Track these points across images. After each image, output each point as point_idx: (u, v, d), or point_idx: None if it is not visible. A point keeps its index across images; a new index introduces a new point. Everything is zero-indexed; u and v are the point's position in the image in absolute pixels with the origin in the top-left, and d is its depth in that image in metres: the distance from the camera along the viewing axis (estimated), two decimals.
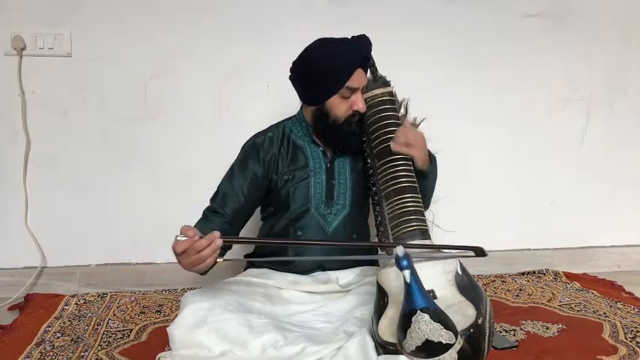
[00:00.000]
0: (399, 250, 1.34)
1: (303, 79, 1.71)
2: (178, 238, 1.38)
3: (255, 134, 1.81)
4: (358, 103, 1.66)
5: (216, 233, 1.38)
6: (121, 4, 2.22)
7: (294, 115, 1.83)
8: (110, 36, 2.23)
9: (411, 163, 1.65)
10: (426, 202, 1.78)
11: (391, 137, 1.67)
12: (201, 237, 1.38)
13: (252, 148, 1.76)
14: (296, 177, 1.73)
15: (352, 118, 1.67)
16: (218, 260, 1.43)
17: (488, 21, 2.45)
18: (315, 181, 1.74)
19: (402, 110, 2.15)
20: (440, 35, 2.42)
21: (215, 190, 1.76)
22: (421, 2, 2.40)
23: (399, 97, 2.11)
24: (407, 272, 1.32)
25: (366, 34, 1.72)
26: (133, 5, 2.23)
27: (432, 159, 1.74)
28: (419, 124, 2.17)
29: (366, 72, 1.70)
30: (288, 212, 1.74)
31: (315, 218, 1.72)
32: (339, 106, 1.66)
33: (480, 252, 1.51)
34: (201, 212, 1.73)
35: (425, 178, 1.70)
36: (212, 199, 1.74)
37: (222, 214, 1.69)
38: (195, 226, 1.56)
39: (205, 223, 1.64)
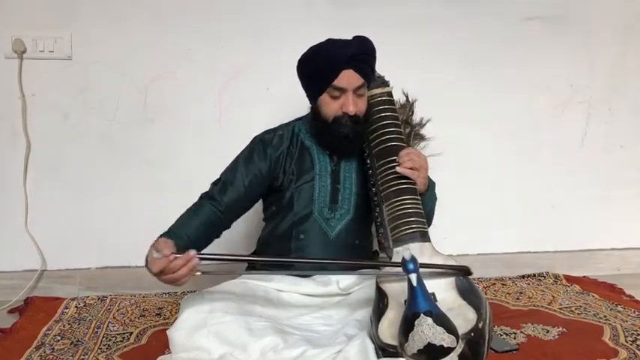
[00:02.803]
0: (406, 254, 1.34)
1: (301, 76, 1.73)
2: (155, 255, 1.38)
3: (266, 130, 1.80)
4: (348, 105, 1.63)
5: (192, 252, 1.39)
6: (121, 7, 2.23)
7: (305, 115, 1.82)
8: (110, 39, 2.23)
9: None
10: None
11: (390, 137, 1.68)
12: (176, 257, 1.37)
13: (261, 144, 1.75)
14: (301, 178, 1.73)
15: (341, 119, 1.65)
16: (196, 274, 1.43)
17: (488, 24, 2.46)
18: (320, 184, 1.73)
19: (409, 111, 2.16)
20: (441, 38, 2.43)
21: (218, 177, 1.76)
22: (422, 5, 2.41)
23: (410, 98, 2.12)
24: (414, 276, 1.32)
25: (367, 37, 1.72)
26: (133, 9, 2.24)
27: (430, 184, 1.73)
28: (424, 124, 2.18)
29: (362, 74, 1.65)
30: (291, 214, 1.73)
31: (318, 222, 1.72)
32: (329, 106, 1.65)
33: (466, 271, 1.51)
34: (199, 195, 1.72)
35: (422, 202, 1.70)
36: (213, 184, 1.74)
37: (217, 202, 1.69)
38: (182, 216, 1.61)
39: (193, 216, 1.65)
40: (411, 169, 1.62)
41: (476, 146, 2.48)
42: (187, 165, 2.31)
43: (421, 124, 2.20)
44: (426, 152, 2.22)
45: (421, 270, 1.38)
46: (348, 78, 1.63)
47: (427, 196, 1.72)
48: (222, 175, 1.76)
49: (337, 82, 1.62)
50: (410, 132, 2.19)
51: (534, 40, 2.50)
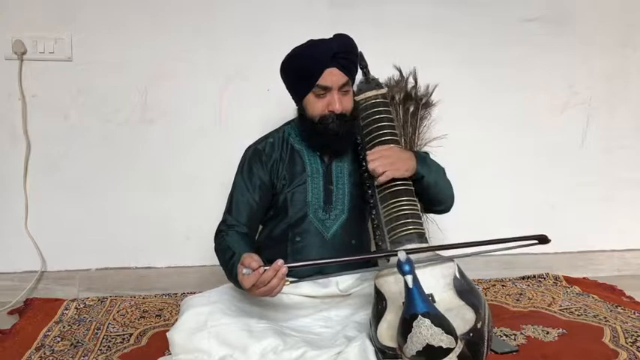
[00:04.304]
0: (401, 255, 1.33)
1: (285, 78, 1.72)
2: (244, 272, 1.37)
3: (256, 141, 1.80)
4: (333, 103, 1.62)
5: (280, 262, 1.37)
6: (121, 8, 2.23)
7: (294, 119, 1.82)
8: (110, 40, 2.23)
9: None
10: (445, 200, 1.76)
11: (386, 139, 1.68)
12: (265, 269, 1.37)
13: (255, 155, 1.75)
14: (294, 181, 1.73)
15: (327, 118, 1.64)
16: (286, 284, 1.42)
17: (488, 25, 2.46)
18: (312, 186, 1.73)
19: (411, 80, 2.15)
20: (440, 39, 2.43)
21: (227, 203, 1.74)
22: (421, 6, 2.41)
23: (405, 71, 2.11)
24: (409, 277, 1.31)
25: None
26: (133, 10, 2.24)
27: (419, 159, 1.69)
28: (432, 92, 2.17)
29: (346, 71, 1.64)
30: (287, 217, 1.73)
31: (314, 223, 1.72)
32: (315, 105, 1.64)
33: (542, 239, 1.57)
34: (217, 227, 1.70)
35: (420, 179, 1.68)
36: (227, 212, 1.72)
37: (238, 226, 1.68)
38: (228, 245, 1.59)
39: (237, 240, 1.63)
40: (384, 172, 1.61)
41: (476, 146, 2.48)
42: (187, 165, 2.31)
43: (427, 94, 2.19)
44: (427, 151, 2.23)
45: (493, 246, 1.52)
46: (333, 76, 1.62)
47: (424, 171, 1.68)
48: (230, 200, 1.73)
49: (322, 81, 1.61)
50: (417, 106, 2.18)
51: (534, 41, 2.50)
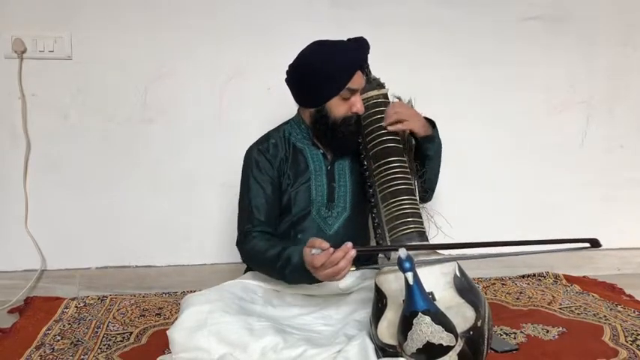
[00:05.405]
0: (402, 252, 1.34)
1: (303, 82, 1.71)
2: (314, 251, 1.41)
3: (257, 142, 1.80)
4: (357, 104, 1.67)
5: (349, 244, 1.41)
6: (121, 7, 2.23)
7: (292, 118, 1.83)
8: (110, 39, 2.23)
9: (407, 164, 1.67)
10: (435, 178, 1.81)
11: (387, 139, 1.70)
12: (335, 250, 1.40)
13: (261, 155, 1.75)
14: (297, 180, 1.74)
15: (350, 120, 1.68)
16: (352, 269, 1.45)
17: (488, 23, 2.46)
18: (316, 183, 1.74)
19: None
20: (440, 37, 2.43)
21: (243, 207, 1.73)
22: (422, 5, 2.41)
23: (404, 98, 2.12)
24: (410, 274, 1.32)
25: (366, 36, 1.74)
26: (133, 8, 2.24)
27: (432, 124, 1.77)
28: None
29: (363, 74, 1.71)
30: (290, 215, 1.74)
31: (316, 221, 1.72)
32: (339, 108, 1.67)
33: (594, 243, 1.60)
34: (244, 236, 1.68)
35: (431, 142, 1.74)
36: (249, 214, 1.70)
37: (259, 225, 1.68)
38: (266, 251, 1.61)
39: (270, 238, 1.66)
40: (399, 122, 1.67)
41: (475, 146, 2.48)
42: (187, 164, 2.31)
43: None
44: None
45: (544, 247, 1.56)
46: (359, 78, 1.67)
47: (436, 139, 1.76)
48: (248, 203, 1.72)
49: (352, 84, 1.65)
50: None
51: (534, 40, 2.50)
